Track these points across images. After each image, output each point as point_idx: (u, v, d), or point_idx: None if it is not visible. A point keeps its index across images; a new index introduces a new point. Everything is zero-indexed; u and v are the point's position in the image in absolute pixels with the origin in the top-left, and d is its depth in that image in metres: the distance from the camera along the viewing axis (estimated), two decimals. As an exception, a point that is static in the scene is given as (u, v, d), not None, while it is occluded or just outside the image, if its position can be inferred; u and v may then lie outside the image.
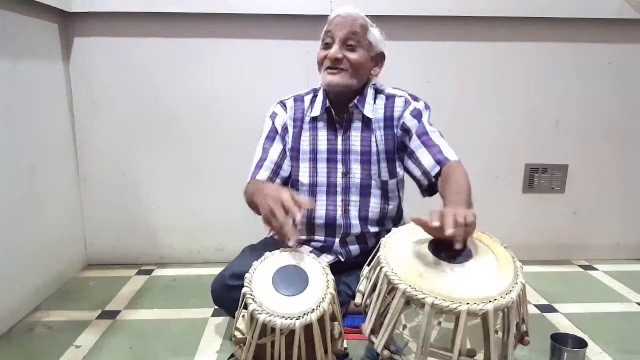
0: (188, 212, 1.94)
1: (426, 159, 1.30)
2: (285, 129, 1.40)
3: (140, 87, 1.83)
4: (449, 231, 0.89)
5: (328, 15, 1.70)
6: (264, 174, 1.35)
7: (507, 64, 1.88)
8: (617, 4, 1.80)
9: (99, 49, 1.79)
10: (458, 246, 0.91)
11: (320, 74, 1.34)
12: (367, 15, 1.33)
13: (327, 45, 1.31)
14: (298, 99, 1.42)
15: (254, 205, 1.25)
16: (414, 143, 1.32)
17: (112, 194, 1.91)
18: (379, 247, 1.02)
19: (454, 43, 1.85)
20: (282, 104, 1.43)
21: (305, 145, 1.38)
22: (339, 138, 1.37)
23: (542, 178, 1.99)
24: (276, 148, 1.38)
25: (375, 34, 1.33)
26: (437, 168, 1.27)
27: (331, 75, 1.29)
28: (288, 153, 1.39)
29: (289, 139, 1.39)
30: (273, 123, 1.40)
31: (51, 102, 1.70)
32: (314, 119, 1.38)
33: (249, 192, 1.29)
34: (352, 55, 1.28)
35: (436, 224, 0.91)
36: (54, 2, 1.61)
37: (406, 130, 1.34)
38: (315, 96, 1.41)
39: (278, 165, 1.37)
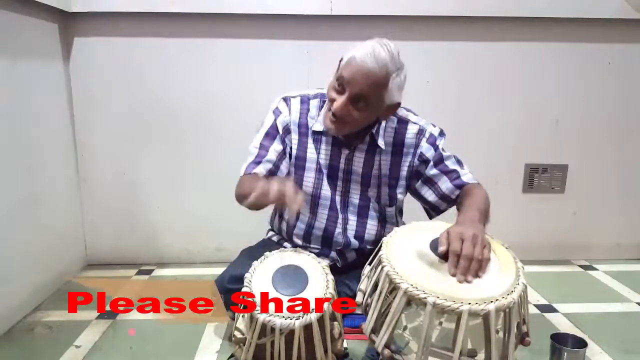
0: (188, 212, 1.94)
1: (445, 184, 1.29)
2: (287, 130, 1.33)
3: (140, 87, 1.83)
4: (452, 270, 0.92)
5: (328, 15, 1.71)
6: (259, 172, 1.28)
7: (507, 64, 1.88)
8: (617, 4, 1.80)
9: (99, 49, 1.79)
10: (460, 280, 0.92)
11: (325, 107, 1.27)
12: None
13: (338, 89, 1.18)
14: (304, 101, 1.34)
15: (244, 194, 1.14)
16: (431, 171, 1.31)
17: (112, 194, 1.90)
18: (381, 246, 1.02)
19: (454, 43, 1.85)
20: (287, 102, 1.34)
21: (311, 154, 1.33)
22: (342, 157, 1.32)
23: (542, 178, 1.99)
24: (275, 147, 1.32)
25: (394, 87, 1.16)
26: (457, 191, 1.27)
27: (333, 125, 1.21)
28: (292, 160, 1.34)
29: (294, 144, 1.33)
30: (275, 120, 1.33)
31: (51, 102, 1.70)
32: (318, 132, 1.32)
33: (243, 186, 1.22)
34: (357, 115, 1.17)
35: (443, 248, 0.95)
36: (54, 2, 1.61)
37: (424, 161, 1.31)
38: (322, 102, 1.33)
39: (276, 166, 1.31)
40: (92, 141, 1.86)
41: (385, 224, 1.38)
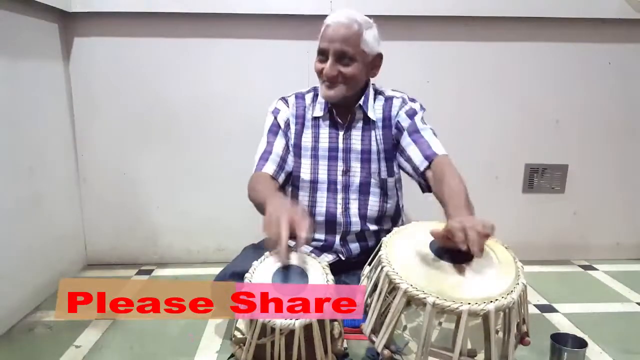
0: (188, 212, 1.94)
1: (415, 155, 1.31)
2: (287, 125, 1.41)
3: (140, 87, 1.83)
4: (472, 248, 0.87)
5: (328, 15, 1.71)
6: (270, 167, 1.35)
7: (507, 64, 1.88)
8: (617, 4, 1.80)
9: (99, 49, 1.79)
10: (478, 255, 0.89)
11: (319, 84, 1.35)
12: (367, 16, 1.32)
13: (322, 59, 1.31)
14: (299, 97, 1.43)
15: (256, 203, 1.25)
16: (405, 140, 1.34)
17: (112, 194, 1.91)
18: (380, 246, 1.02)
19: (454, 43, 1.85)
20: (284, 100, 1.43)
21: (307, 142, 1.40)
22: (340, 136, 1.39)
23: (542, 178, 1.99)
24: (280, 142, 1.39)
25: (369, 38, 1.28)
26: (426, 163, 1.29)
27: (328, 89, 1.31)
28: (290, 149, 1.41)
29: (292, 135, 1.40)
30: (275, 118, 1.41)
31: (51, 102, 1.70)
32: (316, 118, 1.40)
33: (254, 187, 1.29)
34: (347, 70, 1.28)
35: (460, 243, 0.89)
36: (54, 2, 1.61)
37: (399, 129, 1.36)
38: (316, 95, 1.42)
39: (283, 160, 1.38)
40: (92, 141, 1.86)
41: (387, 198, 1.42)
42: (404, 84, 1.46)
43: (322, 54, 1.30)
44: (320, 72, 1.31)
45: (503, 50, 1.87)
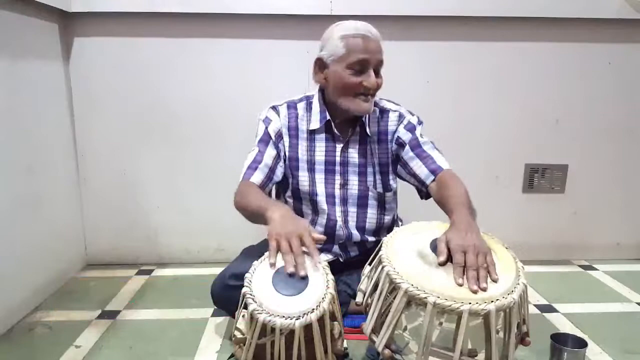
0: (188, 212, 1.94)
1: (420, 169, 1.31)
2: (279, 136, 1.36)
3: (140, 87, 1.83)
4: (459, 281, 0.89)
5: (328, 15, 1.71)
6: (258, 177, 1.31)
7: (507, 64, 1.88)
8: (617, 4, 1.80)
9: (99, 49, 1.79)
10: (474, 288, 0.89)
11: (342, 97, 1.28)
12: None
13: (357, 71, 1.24)
14: (291, 106, 1.39)
15: (250, 211, 1.23)
16: (408, 155, 1.33)
17: (112, 194, 1.90)
18: (381, 246, 1.02)
19: (454, 43, 1.85)
20: (276, 110, 1.38)
21: (302, 155, 1.37)
22: (338, 150, 1.36)
23: (542, 178, 1.99)
24: (270, 152, 1.34)
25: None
26: (432, 177, 1.29)
27: (367, 103, 1.27)
28: (286, 162, 1.37)
29: (285, 147, 1.37)
30: (266, 128, 1.36)
31: (51, 102, 1.70)
32: (312, 131, 1.36)
33: (244, 196, 1.26)
34: (380, 81, 1.28)
35: (442, 259, 0.93)
36: (54, 2, 1.61)
37: (400, 144, 1.35)
38: (309, 104, 1.38)
39: (272, 170, 1.34)
40: (92, 141, 1.86)
41: (385, 210, 1.42)
42: (403, 84, 1.46)
43: (360, 66, 1.23)
44: (356, 86, 1.25)
45: (503, 50, 1.87)
